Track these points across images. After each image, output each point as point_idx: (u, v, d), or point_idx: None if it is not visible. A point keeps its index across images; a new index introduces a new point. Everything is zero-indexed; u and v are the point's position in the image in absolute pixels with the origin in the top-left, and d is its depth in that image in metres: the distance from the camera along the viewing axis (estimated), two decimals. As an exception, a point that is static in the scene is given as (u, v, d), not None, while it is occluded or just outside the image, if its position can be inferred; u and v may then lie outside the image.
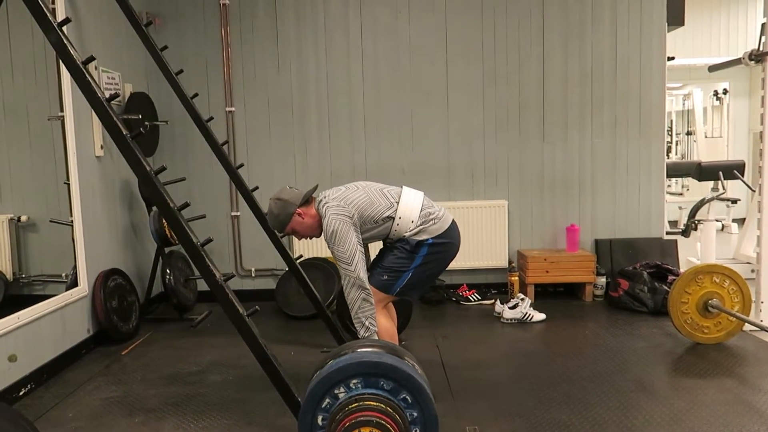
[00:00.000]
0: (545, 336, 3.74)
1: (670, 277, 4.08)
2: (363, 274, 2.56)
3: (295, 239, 4.45)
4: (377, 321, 2.60)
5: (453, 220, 2.77)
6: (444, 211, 2.75)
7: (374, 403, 1.90)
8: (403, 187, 2.76)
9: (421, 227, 2.64)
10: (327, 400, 1.94)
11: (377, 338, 2.57)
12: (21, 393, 2.86)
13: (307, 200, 2.73)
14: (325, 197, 2.69)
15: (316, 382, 1.96)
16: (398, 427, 1.88)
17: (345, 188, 2.72)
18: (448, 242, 2.71)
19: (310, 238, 2.79)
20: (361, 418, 1.86)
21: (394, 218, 2.64)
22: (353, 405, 1.89)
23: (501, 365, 3.22)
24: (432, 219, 2.67)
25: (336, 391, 1.94)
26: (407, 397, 1.94)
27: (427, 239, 2.65)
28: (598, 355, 3.31)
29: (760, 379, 2.91)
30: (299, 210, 2.69)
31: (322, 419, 1.94)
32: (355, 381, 1.94)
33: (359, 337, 2.59)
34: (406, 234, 2.65)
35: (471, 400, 2.75)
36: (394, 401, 1.93)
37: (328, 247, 2.61)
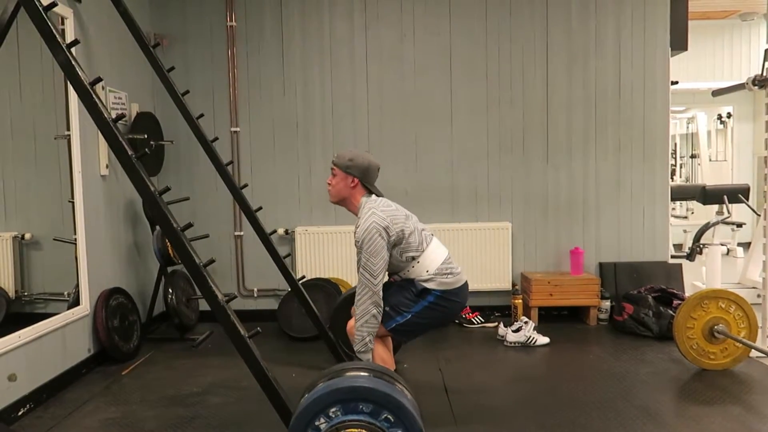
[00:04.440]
0: (549, 360, 3.70)
1: (676, 302, 4.04)
2: (381, 292, 2.53)
3: (298, 260, 4.47)
4: (374, 347, 2.57)
5: (466, 282, 2.73)
6: (461, 271, 2.73)
7: (355, 430, 1.88)
8: (434, 237, 2.75)
9: (433, 276, 2.63)
10: None
11: (371, 356, 2.55)
12: (20, 413, 2.83)
13: (368, 189, 2.72)
14: (375, 202, 2.66)
15: (296, 417, 1.94)
16: None
17: (396, 207, 2.70)
18: (454, 300, 2.68)
19: (330, 191, 2.77)
20: None
21: (415, 260, 2.63)
22: None
23: (504, 390, 3.19)
24: (447, 273, 2.65)
25: (317, 423, 1.92)
26: (389, 416, 1.92)
27: (435, 290, 2.62)
28: (602, 380, 3.27)
29: (767, 408, 2.87)
30: (357, 180, 2.68)
31: None
32: (333, 409, 1.92)
33: (354, 349, 2.56)
34: (416, 278, 2.63)
35: (474, 426, 2.71)
36: (377, 423, 1.90)
37: (358, 248, 2.57)
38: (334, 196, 2.77)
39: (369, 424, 1.90)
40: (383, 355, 2.65)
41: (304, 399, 2.01)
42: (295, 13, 4.51)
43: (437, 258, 2.66)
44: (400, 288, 2.68)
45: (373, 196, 2.73)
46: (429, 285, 2.62)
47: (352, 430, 1.88)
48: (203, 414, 2.88)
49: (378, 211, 2.60)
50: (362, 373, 2.06)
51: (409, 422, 1.92)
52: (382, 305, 2.56)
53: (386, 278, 2.58)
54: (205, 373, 3.45)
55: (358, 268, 2.60)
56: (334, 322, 3.36)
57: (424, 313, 2.63)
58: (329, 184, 2.78)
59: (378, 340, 2.64)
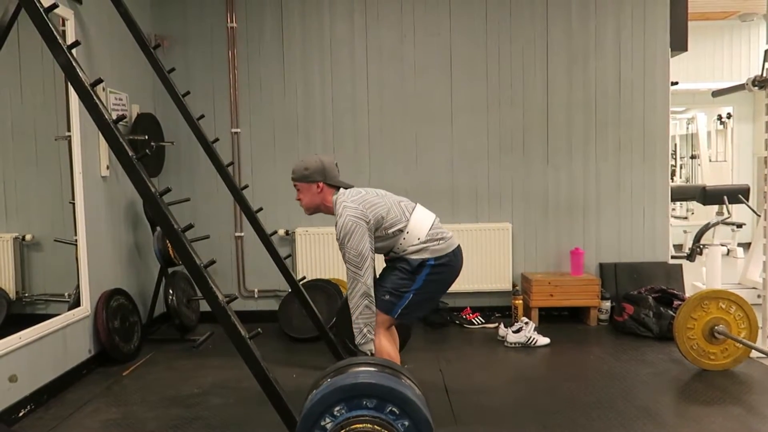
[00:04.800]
0: (549, 361, 3.70)
1: (676, 302, 4.04)
2: (370, 281, 2.54)
3: (299, 261, 4.48)
4: (380, 343, 2.58)
5: (458, 246, 2.75)
6: (452, 235, 2.74)
7: (360, 426, 1.88)
8: (417, 204, 2.75)
9: (425, 245, 2.63)
10: None
11: (373, 347, 2.55)
12: (21, 414, 2.83)
13: (336, 186, 2.72)
14: (344, 196, 2.67)
15: (302, 419, 1.95)
16: None
17: (365, 191, 2.70)
18: (449, 264, 2.69)
19: (302, 206, 2.79)
20: None
21: (403, 231, 2.63)
22: None
23: (505, 390, 3.19)
24: (438, 239, 2.66)
25: (323, 423, 1.93)
26: (394, 409, 1.92)
27: (429, 259, 2.63)
28: (603, 381, 3.27)
29: (767, 408, 2.88)
30: (321, 184, 2.69)
31: None
32: (338, 408, 1.92)
33: (355, 343, 2.56)
34: (409, 249, 2.63)
35: (474, 427, 2.72)
36: (382, 417, 1.91)
37: (340, 248, 2.58)
38: (309, 209, 2.79)
39: (374, 418, 1.90)
40: (389, 351, 2.64)
41: (308, 400, 2.01)
42: (296, 14, 4.51)
43: (425, 223, 2.67)
44: (394, 269, 2.67)
45: (341, 190, 2.73)
46: (423, 255, 2.62)
47: (358, 425, 1.88)
48: (204, 415, 2.88)
49: (349, 203, 2.61)
50: (364, 369, 2.06)
51: (414, 413, 1.92)
52: (373, 294, 2.55)
53: (373, 264, 2.57)
54: (206, 374, 3.45)
55: (346, 263, 2.60)
56: (339, 320, 3.36)
57: (425, 288, 2.64)
58: (299, 200, 2.80)
59: (384, 334, 2.64)
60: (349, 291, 2.57)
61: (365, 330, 2.54)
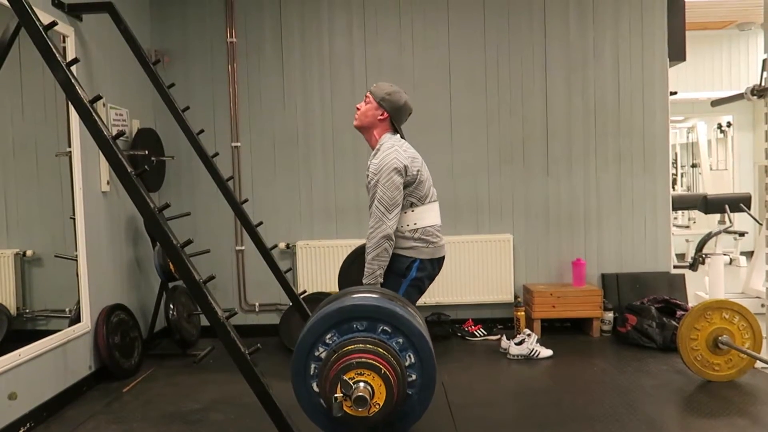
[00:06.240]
0: (552, 373, 3.68)
1: (679, 313, 4.02)
2: (394, 226, 2.51)
3: (300, 274, 4.46)
4: None
5: (443, 256, 2.72)
6: (443, 243, 2.72)
7: (354, 347, 1.88)
8: (437, 203, 2.74)
9: (416, 243, 2.60)
10: (312, 365, 1.95)
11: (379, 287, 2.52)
12: (20, 432, 2.82)
13: (395, 128, 2.71)
14: (398, 142, 2.64)
15: (295, 352, 1.98)
16: (385, 360, 1.86)
17: (415, 153, 2.68)
18: (430, 271, 2.65)
19: (356, 116, 2.73)
20: (342, 365, 1.85)
21: (413, 206, 2.61)
22: (333, 357, 1.89)
23: (508, 403, 3.16)
24: (429, 243, 2.62)
25: (317, 353, 1.94)
26: (386, 328, 1.91)
27: (416, 260, 2.60)
28: (606, 393, 3.25)
29: (773, 419, 2.85)
30: (387, 115, 2.66)
31: (316, 385, 1.96)
32: (329, 336, 1.93)
33: (364, 283, 2.53)
34: (406, 232, 2.59)
35: (477, 440, 2.69)
36: (375, 336, 1.91)
37: (373, 181, 2.54)
38: (359, 121, 2.72)
39: (366, 338, 1.88)
40: None
41: (299, 335, 2.02)
42: (295, 28, 4.54)
43: (430, 218, 2.65)
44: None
45: (398, 135, 2.71)
46: (409, 254, 2.58)
47: (351, 347, 1.86)
48: (204, 431, 2.86)
49: (401, 150, 2.59)
50: (350, 295, 2.05)
51: (407, 328, 1.91)
52: (394, 240, 2.52)
53: (399, 212, 2.54)
54: (207, 390, 3.43)
55: (370, 205, 2.58)
56: (342, 279, 3.29)
57: (408, 291, 2.59)
58: (357, 108, 2.73)
59: None
60: (370, 231, 2.52)
61: (378, 272, 2.50)
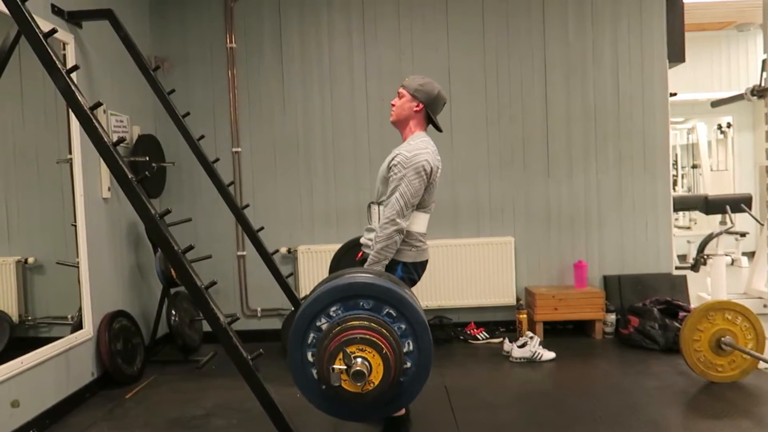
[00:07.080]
0: (555, 376, 3.67)
1: (681, 314, 4.02)
2: (408, 222, 2.50)
3: (302, 279, 4.46)
4: None
5: (426, 260, 2.69)
6: (427, 247, 2.69)
7: (357, 322, 1.88)
8: (430, 214, 2.73)
9: (402, 246, 2.55)
10: (311, 335, 1.95)
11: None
12: (23, 439, 2.81)
13: (428, 123, 2.72)
14: (430, 142, 2.65)
15: (296, 320, 1.97)
16: (385, 339, 1.86)
17: (440, 165, 2.70)
18: (413, 274, 2.63)
19: (392, 111, 2.70)
20: (346, 338, 1.85)
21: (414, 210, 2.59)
22: (336, 329, 1.89)
23: (511, 406, 3.16)
24: (413, 247, 2.59)
25: (318, 324, 1.94)
26: (391, 311, 1.92)
27: (399, 263, 2.56)
28: (609, 395, 3.24)
29: (777, 420, 2.84)
30: (422, 106, 2.64)
31: (312, 355, 1.96)
32: (334, 308, 1.94)
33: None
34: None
35: (480, 444, 2.69)
36: (378, 317, 1.91)
37: (392, 173, 2.52)
38: (395, 115, 2.70)
39: (371, 317, 1.89)
40: None
41: (303, 302, 2.02)
42: (294, 33, 4.55)
43: (419, 225, 2.62)
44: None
45: (426, 134, 2.71)
46: (394, 256, 2.54)
47: (354, 322, 1.87)
48: (207, 437, 2.86)
49: (432, 152, 2.61)
50: (362, 274, 2.04)
51: (411, 315, 1.91)
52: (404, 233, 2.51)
53: (412, 212, 2.54)
54: (209, 395, 3.43)
55: (382, 194, 2.57)
56: (333, 265, 3.24)
57: None
58: (393, 105, 2.71)
59: None
60: (384, 221, 2.47)
61: (384, 262, 2.47)
